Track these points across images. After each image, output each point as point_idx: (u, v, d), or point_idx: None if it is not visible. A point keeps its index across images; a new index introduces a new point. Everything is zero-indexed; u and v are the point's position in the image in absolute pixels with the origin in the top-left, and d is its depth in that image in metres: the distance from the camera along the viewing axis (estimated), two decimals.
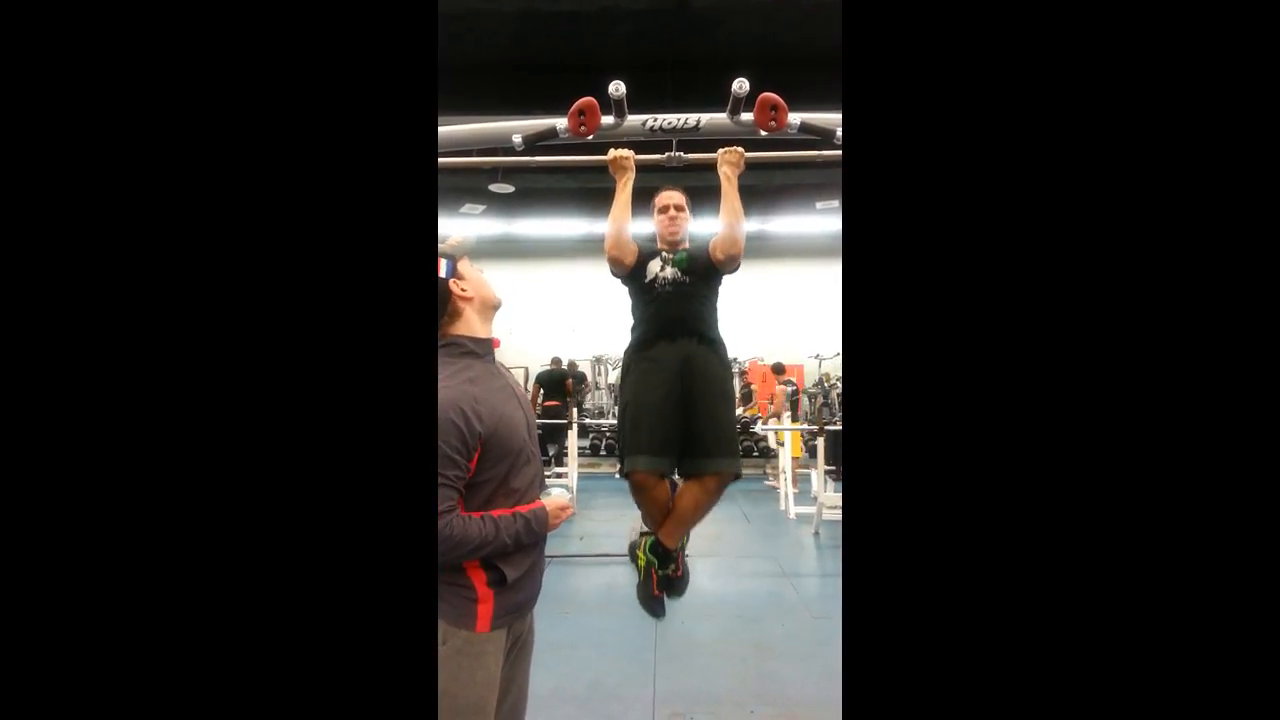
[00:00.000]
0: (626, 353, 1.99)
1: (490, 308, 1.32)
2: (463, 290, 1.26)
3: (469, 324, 1.28)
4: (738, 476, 1.86)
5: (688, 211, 2.04)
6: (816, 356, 9.13)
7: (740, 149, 1.89)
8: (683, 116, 1.68)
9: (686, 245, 1.98)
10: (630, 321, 1.99)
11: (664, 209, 2.02)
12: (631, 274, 1.97)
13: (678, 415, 1.85)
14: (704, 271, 1.95)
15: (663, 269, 1.96)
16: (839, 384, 8.62)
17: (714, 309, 1.99)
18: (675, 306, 1.92)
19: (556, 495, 1.35)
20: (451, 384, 1.20)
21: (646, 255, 1.99)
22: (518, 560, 1.25)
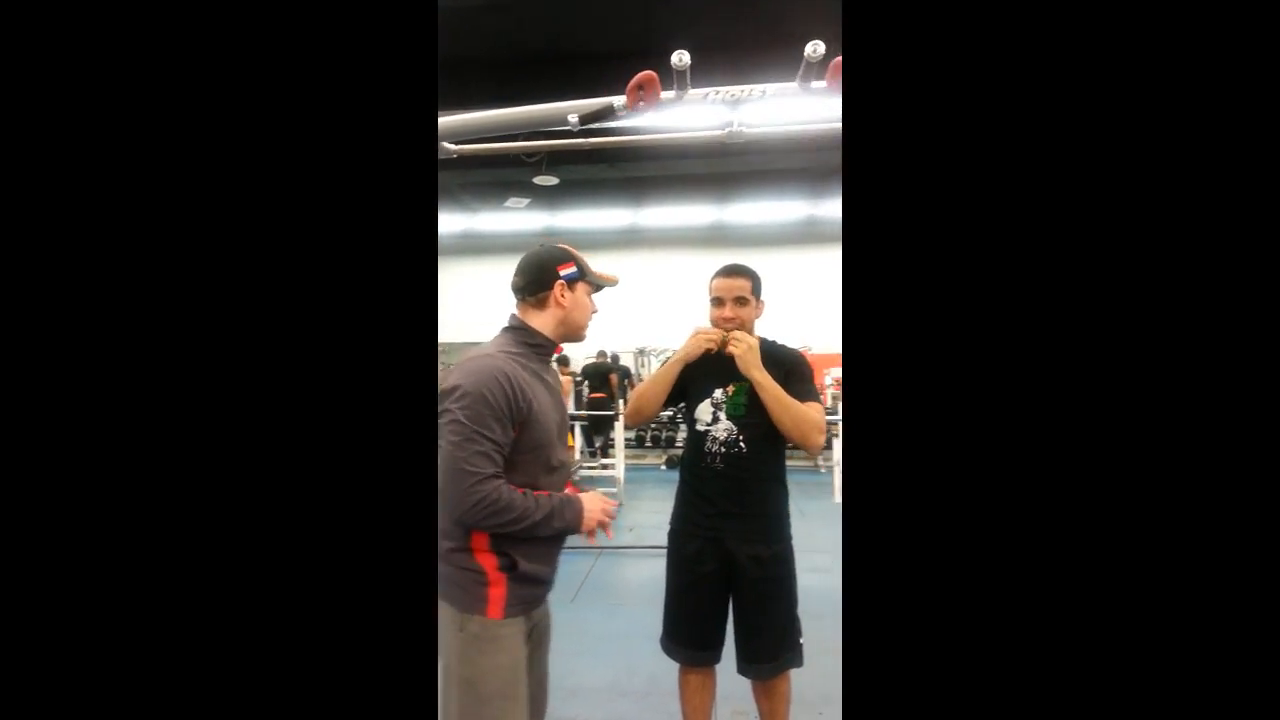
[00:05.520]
0: (670, 531, 1.68)
1: (571, 331, 1.30)
2: (562, 297, 1.26)
3: (545, 324, 1.27)
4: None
5: (755, 301, 1.64)
6: None
7: (745, 335, 1.56)
8: (747, 87, 1.58)
9: (752, 355, 1.55)
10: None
11: (718, 301, 1.64)
12: (685, 403, 1.64)
13: (722, 616, 1.64)
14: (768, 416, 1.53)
15: (714, 419, 1.59)
16: None
17: (778, 475, 1.62)
18: (724, 491, 1.55)
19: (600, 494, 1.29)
20: (501, 356, 1.19)
21: (700, 382, 1.61)
22: (530, 548, 1.20)
